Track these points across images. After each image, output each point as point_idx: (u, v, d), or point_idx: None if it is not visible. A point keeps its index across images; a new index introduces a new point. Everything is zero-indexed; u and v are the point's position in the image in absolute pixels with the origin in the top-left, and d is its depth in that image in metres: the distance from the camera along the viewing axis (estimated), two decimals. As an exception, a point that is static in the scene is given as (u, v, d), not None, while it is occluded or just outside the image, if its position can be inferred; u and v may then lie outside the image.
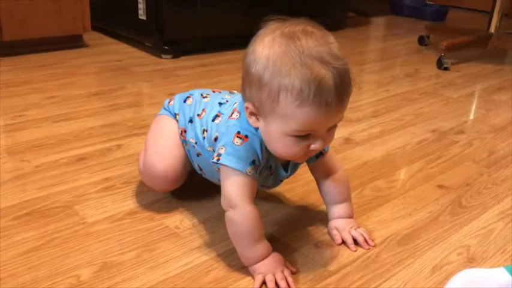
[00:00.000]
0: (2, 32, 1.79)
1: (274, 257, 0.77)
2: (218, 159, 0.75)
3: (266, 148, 0.76)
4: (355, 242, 0.86)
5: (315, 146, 0.71)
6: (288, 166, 0.84)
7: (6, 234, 0.84)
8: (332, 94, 0.66)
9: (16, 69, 1.71)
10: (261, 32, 0.71)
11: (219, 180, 0.79)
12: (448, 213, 0.99)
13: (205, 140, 0.85)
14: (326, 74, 0.65)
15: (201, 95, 0.92)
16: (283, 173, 0.84)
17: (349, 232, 0.86)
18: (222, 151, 0.75)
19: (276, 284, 0.74)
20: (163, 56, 2.00)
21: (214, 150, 0.80)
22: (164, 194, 0.98)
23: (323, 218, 0.93)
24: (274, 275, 0.75)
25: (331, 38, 0.70)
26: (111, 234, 0.85)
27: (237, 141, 0.75)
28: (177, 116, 0.93)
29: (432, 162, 1.21)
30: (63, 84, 1.59)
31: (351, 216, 0.90)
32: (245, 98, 0.73)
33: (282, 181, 0.88)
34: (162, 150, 0.91)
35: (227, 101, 0.86)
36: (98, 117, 1.35)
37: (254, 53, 0.70)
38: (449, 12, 3.35)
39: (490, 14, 2.27)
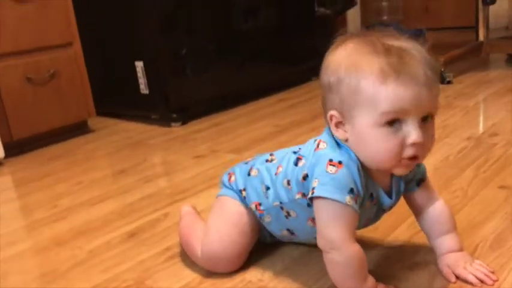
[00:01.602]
0: (11, 131, 1.77)
1: (381, 288, 0.73)
2: (313, 193, 0.70)
3: (364, 173, 0.71)
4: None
5: (412, 138, 0.65)
6: (392, 191, 0.77)
7: (88, 324, 0.78)
8: (417, 72, 0.64)
9: (33, 165, 1.68)
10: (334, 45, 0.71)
11: (315, 238, 0.73)
12: (524, 210, 0.96)
13: (292, 190, 0.77)
14: (406, 56, 0.65)
15: (266, 160, 0.86)
16: (386, 200, 0.76)
17: (465, 268, 0.76)
18: (315, 184, 0.70)
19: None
20: (173, 124, 1.99)
21: (305, 194, 0.74)
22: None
23: (404, 242, 0.90)
24: (388, 305, 0.70)
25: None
26: (197, 301, 0.80)
27: (331, 169, 0.69)
28: (243, 192, 0.86)
29: (482, 166, 1.19)
30: (85, 169, 1.56)
31: (461, 250, 0.80)
32: (326, 110, 0.72)
33: (384, 212, 0.81)
34: (225, 239, 0.84)
35: (299, 148, 0.81)
36: (133, 192, 1.31)
37: (325, 62, 0.70)
38: (426, 34, 3.45)
39: (476, 23, 2.34)
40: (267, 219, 0.85)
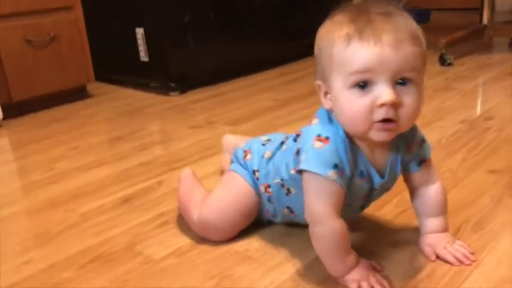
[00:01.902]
0: (10, 93, 1.78)
1: (363, 264, 0.75)
2: (299, 166, 0.72)
3: (354, 150, 0.73)
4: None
5: (381, 98, 0.65)
6: (384, 172, 0.77)
7: (78, 283, 0.81)
8: (382, 32, 0.64)
9: (30, 128, 1.69)
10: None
11: None
12: (508, 195, 0.98)
13: (290, 166, 0.79)
14: (376, 18, 0.66)
15: (282, 143, 0.86)
16: (377, 179, 0.76)
17: (445, 248, 0.78)
18: (302, 158, 0.72)
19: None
20: (171, 93, 1.99)
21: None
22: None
23: (391, 219, 0.92)
24: (368, 280, 0.72)
25: (406, 15, 0.69)
26: (184, 268, 0.83)
27: (318, 144, 0.71)
28: (256, 173, 0.87)
29: (473, 150, 1.20)
30: (83, 134, 1.58)
31: (445, 231, 0.82)
32: (316, 78, 0.74)
33: (378, 194, 0.81)
34: (224, 212, 0.87)
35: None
36: (130, 158, 1.33)
37: (317, 35, 0.72)
38: (432, 13, 3.42)
39: (480, 6, 2.31)
40: (268, 203, 0.87)
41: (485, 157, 1.16)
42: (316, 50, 0.73)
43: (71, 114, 1.82)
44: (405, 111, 0.67)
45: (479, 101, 1.58)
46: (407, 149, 0.78)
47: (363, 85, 0.66)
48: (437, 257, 0.79)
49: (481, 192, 0.99)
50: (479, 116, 1.43)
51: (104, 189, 1.15)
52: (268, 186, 0.86)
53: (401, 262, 0.79)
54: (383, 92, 0.65)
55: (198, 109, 1.77)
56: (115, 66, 2.24)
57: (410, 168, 0.80)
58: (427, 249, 0.80)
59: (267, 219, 0.93)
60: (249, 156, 0.91)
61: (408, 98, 0.67)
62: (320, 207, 0.72)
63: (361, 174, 0.75)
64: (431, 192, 0.81)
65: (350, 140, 0.73)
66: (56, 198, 1.13)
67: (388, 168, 0.77)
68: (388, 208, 0.95)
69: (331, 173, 0.70)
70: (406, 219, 0.90)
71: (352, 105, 0.67)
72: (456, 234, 0.85)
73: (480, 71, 1.97)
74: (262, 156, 0.87)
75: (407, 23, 0.67)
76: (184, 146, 1.39)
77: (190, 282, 0.78)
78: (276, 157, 0.85)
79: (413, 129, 0.78)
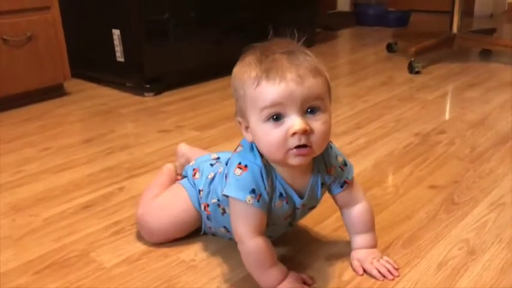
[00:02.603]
0: (-15, 91, 1.82)
1: (292, 277, 0.82)
2: (223, 191, 0.80)
3: (271, 175, 0.80)
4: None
5: (293, 128, 0.72)
6: (304, 193, 0.84)
7: (31, 290, 0.87)
8: (285, 71, 0.72)
9: (4, 126, 1.74)
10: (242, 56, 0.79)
11: None
12: (444, 211, 1.05)
13: (222, 187, 0.85)
14: (280, 58, 0.73)
15: (226, 163, 0.92)
16: (297, 199, 0.83)
17: (371, 263, 0.85)
18: (226, 183, 0.80)
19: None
20: (146, 94, 2.04)
21: None
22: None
23: (329, 233, 0.99)
24: (296, 294, 0.79)
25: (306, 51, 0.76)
26: (132, 275, 0.89)
27: (238, 171, 0.79)
28: (201, 192, 0.94)
29: (420, 164, 1.28)
30: (54, 135, 1.62)
31: (373, 247, 0.89)
32: (236, 115, 0.80)
33: (303, 212, 0.88)
34: (160, 220, 0.96)
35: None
36: (94, 163, 1.38)
37: (232, 76, 0.79)
38: (411, 16, 3.48)
39: (451, 14, 2.38)
40: (207, 222, 0.95)
41: (429, 172, 1.23)
42: (232, 88, 0.79)
43: (46, 113, 1.87)
44: (316, 136, 0.74)
45: (436, 114, 1.65)
46: (328, 171, 0.85)
47: (276, 118, 0.73)
48: (365, 271, 0.86)
49: (417, 208, 1.06)
50: (433, 129, 1.51)
51: (67, 194, 1.21)
52: (207, 205, 0.93)
53: (332, 275, 0.86)
54: (294, 122, 0.72)
55: (169, 112, 1.82)
56: (92, 64, 2.28)
57: (333, 190, 0.88)
58: (355, 264, 0.87)
59: (210, 233, 0.99)
60: (197, 175, 0.97)
61: (317, 124, 0.74)
62: (240, 227, 0.80)
63: (281, 195, 0.82)
64: (356, 211, 0.89)
65: (269, 166, 0.80)
66: (21, 202, 1.18)
67: (308, 190, 0.84)
68: (327, 223, 1.02)
69: (249, 198, 0.78)
70: (343, 234, 0.97)
71: (268, 137, 0.74)
72: (387, 249, 0.92)
73: (445, 81, 2.05)
74: (207, 177, 0.94)
75: (306, 59, 0.75)
76: (150, 152, 1.45)
77: (136, 291, 0.85)
78: (216, 178, 0.92)
79: (332, 154, 0.85)
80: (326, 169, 0.85)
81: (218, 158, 0.99)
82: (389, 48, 2.60)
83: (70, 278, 0.89)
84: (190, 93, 2.04)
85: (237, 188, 0.78)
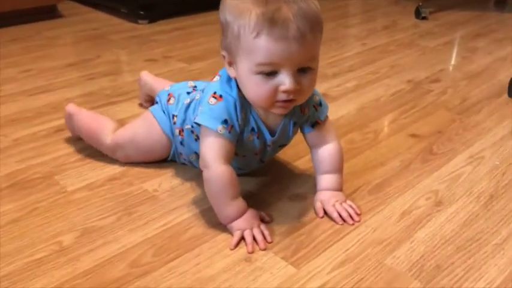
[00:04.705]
0: (-27, 6, 1.77)
1: (250, 213, 0.80)
2: (195, 118, 0.78)
3: (246, 109, 0.78)
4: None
5: (284, 86, 0.71)
6: (276, 131, 0.83)
7: (-12, 207, 0.86)
8: (288, 26, 0.67)
9: (-10, 44, 1.70)
10: None
11: None
12: (419, 160, 1.02)
13: (195, 114, 0.83)
14: (283, 7, 0.67)
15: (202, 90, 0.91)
16: (268, 137, 0.83)
17: (334, 205, 0.84)
18: (199, 111, 0.78)
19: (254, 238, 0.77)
20: (140, 21, 1.98)
21: None
22: (142, 159, 1.00)
23: (299, 173, 0.96)
24: (251, 230, 0.78)
25: None
26: (91, 201, 0.88)
27: (212, 100, 0.77)
28: (175, 118, 0.93)
29: (406, 112, 1.23)
30: (38, 57, 1.59)
31: (338, 189, 0.87)
32: (222, 48, 0.76)
33: (274, 149, 0.88)
34: (135, 145, 0.96)
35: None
36: (75, 87, 1.35)
37: (223, 1, 0.73)
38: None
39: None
40: (184, 144, 0.93)
41: (414, 120, 1.19)
42: (221, 18, 0.74)
43: (34, 34, 1.82)
44: (303, 92, 0.74)
45: (434, 61, 1.58)
46: (301, 111, 0.83)
47: (269, 73, 0.71)
48: (326, 213, 0.85)
49: (393, 155, 1.03)
50: (427, 78, 1.45)
51: (41, 116, 1.19)
52: (182, 131, 0.91)
53: (292, 215, 0.85)
54: (286, 81, 0.71)
55: (160, 41, 1.77)
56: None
57: (304, 129, 0.87)
58: (318, 205, 0.85)
59: (180, 162, 0.97)
60: (172, 101, 0.95)
61: (306, 81, 0.73)
62: (208, 153, 0.78)
63: (252, 130, 0.81)
64: (325, 151, 0.87)
65: (245, 100, 0.78)
66: (-7, 121, 1.17)
67: (280, 129, 0.82)
68: (299, 162, 0.99)
69: (220, 128, 0.77)
70: (314, 175, 0.95)
71: (257, 89, 0.73)
72: (353, 194, 0.90)
73: (451, 29, 1.95)
74: (183, 103, 0.92)
75: (311, 7, 0.69)
76: (133, 80, 1.41)
77: (91, 217, 0.84)
78: (192, 105, 0.89)
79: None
80: (300, 109, 0.83)
81: (195, 86, 0.96)
82: (401, -9, 2.48)
83: (29, 199, 0.88)
84: (184, 24, 1.98)
85: (209, 117, 0.77)
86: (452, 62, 1.61)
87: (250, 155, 0.86)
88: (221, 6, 0.74)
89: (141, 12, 1.98)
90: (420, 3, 2.06)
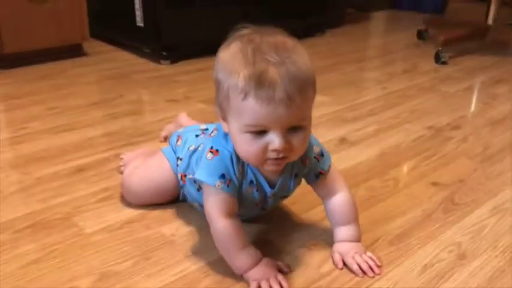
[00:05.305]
0: (3, 44, 1.82)
1: (266, 263, 0.79)
2: (194, 174, 0.79)
3: (242, 161, 0.78)
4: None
5: (273, 145, 0.70)
6: (276, 183, 0.83)
7: (8, 248, 0.86)
8: (275, 89, 0.66)
9: (18, 82, 1.75)
10: (230, 38, 0.74)
11: None
12: (441, 210, 1.00)
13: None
14: (270, 70, 0.67)
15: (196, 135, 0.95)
16: (268, 189, 0.82)
17: (353, 257, 0.82)
18: (199, 166, 0.80)
19: (271, 288, 0.76)
20: (162, 61, 2.02)
21: None
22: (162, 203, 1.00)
23: (316, 221, 0.95)
24: (268, 281, 0.77)
25: (298, 47, 0.71)
26: (109, 244, 0.88)
27: (209, 155, 0.78)
28: (179, 161, 0.94)
29: (427, 159, 1.22)
30: (64, 95, 1.62)
31: (356, 240, 0.85)
32: (215, 103, 0.76)
33: (275, 200, 0.87)
34: (144, 191, 0.98)
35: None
36: (97, 126, 1.38)
37: (216, 58, 0.74)
38: (449, 3, 3.33)
39: (487, 4, 2.26)
40: (183, 191, 0.96)
41: (435, 168, 1.17)
42: (214, 75, 0.74)
43: (60, 72, 1.87)
44: (294, 150, 0.73)
45: (455, 107, 1.57)
46: (302, 162, 0.83)
47: (258, 133, 0.71)
48: (345, 265, 0.83)
49: (414, 205, 1.02)
50: (448, 124, 1.44)
51: (64, 155, 1.21)
52: (184, 175, 0.93)
53: (310, 265, 0.83)
54: (275, 140, 0.70)
55: (182, 81, 1.80)
56: (114, 27, 2.26)
57: (308, 179, 0.87)
58: (336, 257, 0.84)
59: (188, 202, 0.99)
60: (179, 143, 0.97)
61: (297, 139, 0.73)
62: (211, 209, 0.79)
63: (251, 183, 0.81)
64: (335, 202, 0.86)
65: None
66: (18, 159, 1.19)
67: (279, 182, 0.83)
68: (315, 211, 0.98)
69: (218, 183, 0.77)
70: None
71: (247, 147, 0.73)
72: (372, 245, 0.89)
73: (472, 74, 1.95)
74: (188, 148, 0.93)
75: (300, 69, 0.68)
76: (154, 120, 1.43)
77: (109, 261, 0.83)
78: (195, 154, 0.90)
79: (308, 146, 0.81)
80: (301, 161, 0.82)
81: (206, 129, 0.96)
82: (420, 35, 2.49)
83: (48, 240, 0.89)
84: (206, 64, 2.00)
85: (207, 173, 0.78)
86: (474, 108, 1.60)
87: (251, 206, 0.86)
88: (215, 62, 0.74)
89: (164, 53, 2.02)
90: (440, 48, 2.07)
